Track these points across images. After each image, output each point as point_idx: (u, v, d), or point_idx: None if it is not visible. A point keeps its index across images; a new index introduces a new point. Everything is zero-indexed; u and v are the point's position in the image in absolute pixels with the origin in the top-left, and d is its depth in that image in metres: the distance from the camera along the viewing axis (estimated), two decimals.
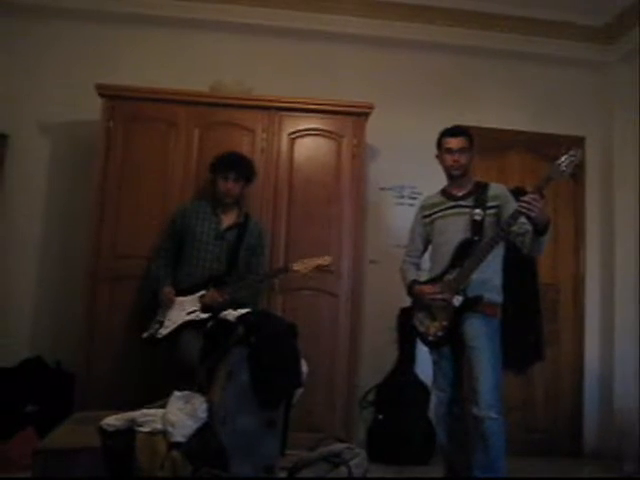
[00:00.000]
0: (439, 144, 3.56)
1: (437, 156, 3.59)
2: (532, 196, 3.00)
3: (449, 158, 3.50)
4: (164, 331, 3.64)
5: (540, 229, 3.09)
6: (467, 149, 3.50)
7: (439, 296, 3.34)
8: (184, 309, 3.68)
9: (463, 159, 3.49)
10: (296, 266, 3.75)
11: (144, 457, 2.56)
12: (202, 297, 3.70)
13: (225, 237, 3.85)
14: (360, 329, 4.38)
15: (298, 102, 4.42)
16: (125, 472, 2.54)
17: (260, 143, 4.35)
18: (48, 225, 4.68)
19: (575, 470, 4.66)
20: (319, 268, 3.80)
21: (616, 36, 5.11)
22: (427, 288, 3.43)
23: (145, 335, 3.71)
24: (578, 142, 4.98)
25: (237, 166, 3.88)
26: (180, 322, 3.63)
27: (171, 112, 4.32)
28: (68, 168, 4.71)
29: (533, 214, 3.00)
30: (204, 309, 3.66)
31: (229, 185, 3.85)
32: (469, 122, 4.88)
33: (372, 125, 4.48)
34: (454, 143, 3.49)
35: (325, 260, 3.79)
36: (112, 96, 4.24)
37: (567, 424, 5.06)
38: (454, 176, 3.52)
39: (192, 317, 3.64)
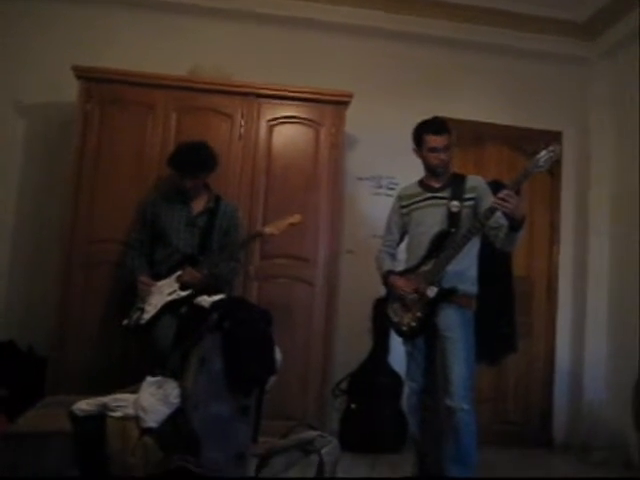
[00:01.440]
0: (419, 140, 3.49)
1: (415, 150, 3.54)
2: (507, 192, 3.01)
3: (433, 157, 3.46)
4: (147, 316, 3.61)
5: (515, 225, 3.10)
6: (450, 146, 3.48)
7: (409, 293, 3.36)
8: (163, 292, 3.66)
9: (448, 156, 3.48)
10: (268, 229, 3.72)
11: (115, 442, 2.55)
12: (179, 277, 3.68)
13: (196, 223, 3.82)
14: (335, 318, 4.38)
15: (278, 89, 4.40)
16: (96, 457, 2.53)
17: (238, 129, 4.33)
18: (22, 208, 4.62)
19: (543, 460, 4.73)
20: (291, 226, 3.74)
21: (597, 32, 5.13)
22: (400, 282, 3.43)
23: (125, 322, 3.68)
24: (555, 137, 5.01)
25: (192, 166, 3.79)
26: (162, 304, 3.61)
27: (149, 96, 4.28)
28: (44, 150, 4.65)
29: (508, 210, 3.02)
30: (183, 287, 3.64)
31: (189, 184, 3.81)
32: (447, 114, 4.85)
33: (351, 115, 4.47)
34: (439, 142, 3.44)
35: (295, 218, 3.74)
36: (89, 78, 4.19)
37: (538, 415, 5.13)
38: (438, 173, 3.51)
39: (173, 297, 3.62)
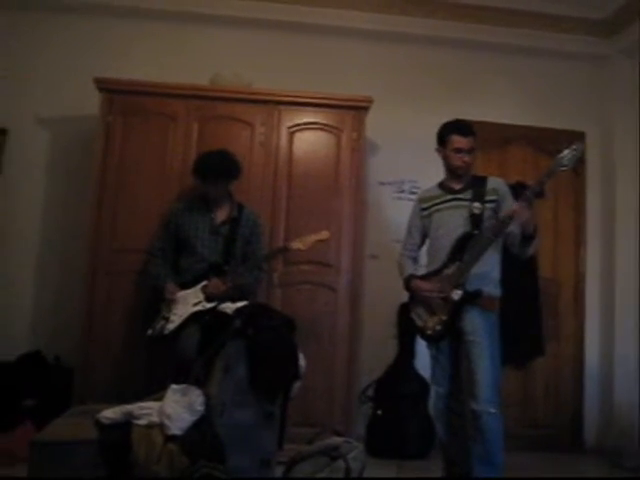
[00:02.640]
0: (444, 139, 3.48)
1: (438, 150, 3.54)
2: (518, 206, 3.04)
3: (458, 158, 3.44)
4: (171, 326, 3.62)
5: (527, 235, 3.11)
6: (474, 148, 3.47)
7: (435, 294, 3.34)
8: (188, 302, 3.67)
9: (471, 159, 3.46)
10: (295, 244, 3.72)
11: (141, 450, 2.55)
12: (204, 287, 3.69)
13: (220, 232, 3.84)
14: (359, 324, 4.37)
15: (297, 96, 4.40)
16: (122, 465, 2.54)
17: (259, 137, 4.34)
18: (47, 220, 4.67)
19: (575, 465, 4.65)
20: (318, 243, 3.76)
21: (616, 29, 5.07)
22: (425, 285, 3.41)
23: (150, 332, 3.69)
24: (578, 137, 4.96)
25: (224, 172, 3.83)
26: (187, 315, 3.61)
27: (170, 106, 4.31)
28: (67, 163, 4.70)
29: (519, 222, 3.03)
30: (208, 299, 3.65)
31: (214, 192, 3.84)
32: (469, 116, 4.83)
33: (372, 119, 4.46)
34: (464, 143, 3.43)
35: (323, 235, 3.75)
36: (111, 90, 4.23)
37: (567, 419, 5.05)
38: (459, 175, 3.49)
39: (198, 308, 3.63)
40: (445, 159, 3.52)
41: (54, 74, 4.74)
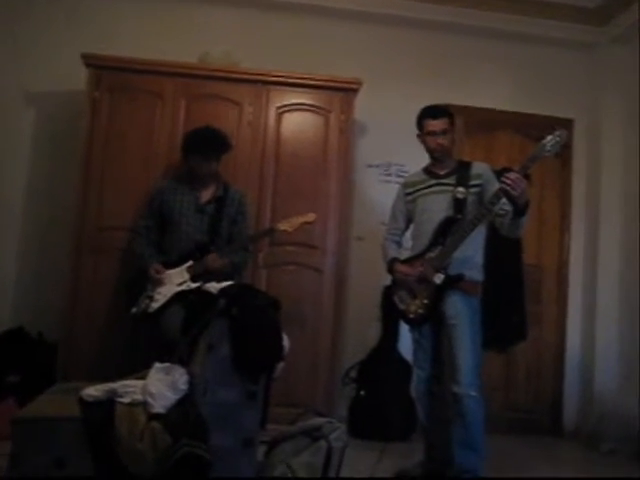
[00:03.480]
0: (420, 125, 3.53)
1: (418, 136, 3.57)
2: (515, 175, 3.00)
3: (432, 140, 3.48)
4: (155, 305, 3.62)
5: (519, 209, 3.08)
6: (449, 130, 3.49)
7: (414, 278, 3.36)
8: (173, 282, 3.67)
9: (446, 141, 3.48)
10: (282, 225, 3.73)
11: (123, 428, 2.55)
12: (190, 267, 3.69)
13: (205, 211, 3.83)
14: (344, 306, 4.39)
15: (286, 76, 4.38)
16: (104, 442, 2.54)
17: (247, 117, 4.32)
18: (31, 195, 4.65)
19: (552, 448, 4.73)
20: (304, 225, 3.78)
21: (608, 18, 5.07)
22: (406, 268, 3.44)
23: (134, 310, 3.69)
24: (566, 124, 4.98)
25: (217, 145, 3.84)
26: (171, 294, 3.61)
27: (158, 83, 4.28)
28: (53, 138, 4.67)
29: (515, 193, 2.99)
30: (193, 278, 3.65)
31: (213, 166, 3.84)
32: (458, 101, 4.89)
33: (361, 102, 4.46)
34: (436, 125, 3.46)
35: (309, 217, 3.77)
36: (98, 66, 4.20)
37: (548, 403, 5.13)
38: (437, 158, 3.52)
39: (183, 287, 3.63)
40: (423, 143, 3.55)
41: (42, 49, 4.68)
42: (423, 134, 3.52)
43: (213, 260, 3.68)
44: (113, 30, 4.69)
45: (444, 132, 3.46)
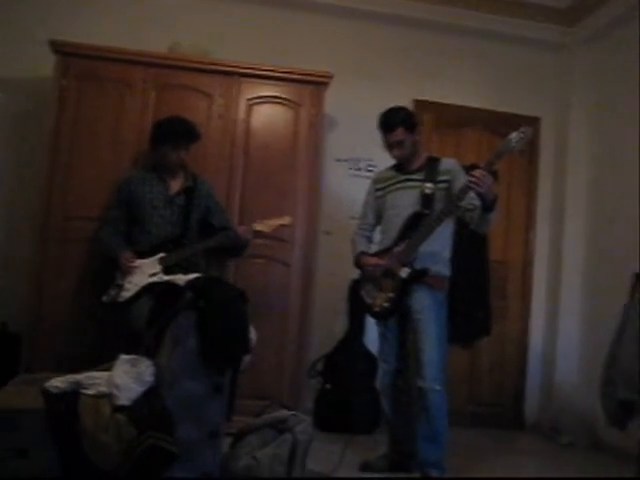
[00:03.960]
0: (380, 132, 3.54)
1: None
2: (480, 172, 3.03)
3: (389, 151, 3.53)
4: (126, 294, 3.59)
5: (487, 205, 3.12)
6: (405, 139, 3.48)
7: (384, 267, 3.38)
8: (144, 272, 3.64)
9: (404, 150, 3.50)
10: (258, 226, 3.74)
11: (88, 419, 2.54)
12: (162, 259, 3.67)
13: (175, 202, 3.81)
14: (311, 299, 4.40)
15: (258, 69, 4.36)
16: (68, 434, 2.53)
17: (217, 108, 4.30)
18: None
19: (514, 441, 4.83)
20: (281, 227, 3.81)
21: (578, 19, 5.14)
22: (373, 260, 3.46)
23: (105, 299, 3.65)
24: (534, 122, 5.05)
25: (187, 134, 3.82)
26: (143, 284, 3.58)
27: (127, 72, 4.22)
28: (19, 126, 4.59)
29: (481, 190, 3.03)
30: (166, 270, 3.62)
31: (182, 155, 3.82)
32: (427, 97, 4.95)
33: (331, 96, 4.46)
34: (390, 138, 3.48)
35: (285, 220, 3.80)
36: (67, 53, 4.12)
37: (510, 397, 5.21)
38: (402, 163, 3.55)
39: (155, 279, 3.60)
40: None
41: (8, 35, 4.59)
42: (383, 142, 3.55)
43: (246, 231, 3.72)
44: (82, 17, 4.62)
45: (399, 143, 3.47)
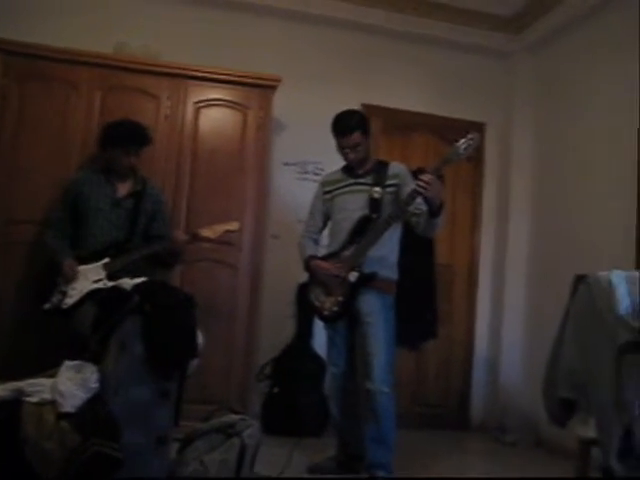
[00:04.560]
0: (334, 135, 3.54)
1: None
2: (429, 177, 3.08)
3: (344, 155, 3.53)
4: (70, 301, 3.51)
5: (434, 210, 3.17)
6: (361, 142, 3.50)
7: (334, 272, 3.39)
8: (88, 278, 3.57)
9: (359, 153, 3.51)
10: (204, 232, 3.70)
11: (31, 427, 2.49)
12: (106, 265, 3.60)
13: (122, 205, 3.75)
14: (259, 302, 4.40)
15: (205, 71, 4.35)
16: (10, 443, 2.47)
17: (164, 111, 4.26)
18: None
19: (461, 441, 4.90)
20: (227, 233, 3.76)
21: (523, 27, 5.26)
22: (323, 264, 3.47)
23: (47, 306, 3.56)
24: (479, 127, 5.13)
25: (139, 138, 3.76)
26: (87, 291, 3.51)
27: (72, 73, 4.16)
28: None
29: (429, 194, 3.08)
30: (110, 276, 3.55)
31: (132, 159, 3.76)
32: (375, 101, 4.99)
33: (279, 100, 4.48)
34: (345, 143, 3.48)
35: (233, 225, 3.76)
36: (7, 51, 4.03)
37: (457, 398, 5.29)
38: (354, 167, 3.56)
39: (99, 285, 3.52)
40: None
41: None
42: (337, 147, 3.54)
43: (179, 235, 3.65)
44: (25, 14, 4.50)
45: (355, 146, 3.48)
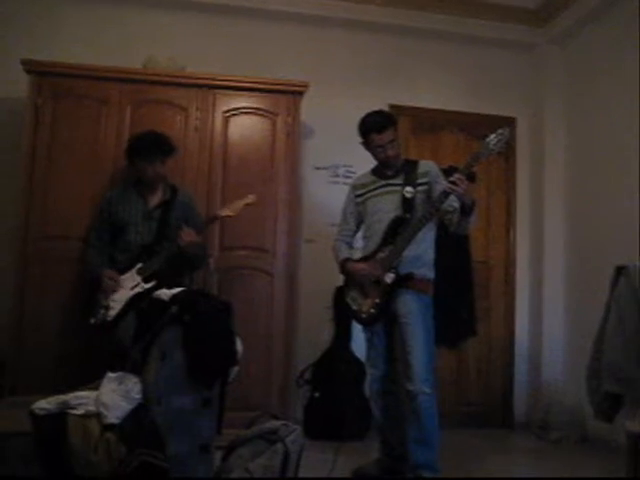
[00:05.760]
0: (364, 137, 3.52)
1: (362, 144, 3.57)
2: (458, 176, 3.06)
3: (380, 153, 3.50)
4: (112, 313, 3.57)
5: (466, 209, 3.15)
6: (395, 138, 3.50)
7: (370, 274, 3.38)
8: (125, 287, 3.62)
9: (394, 150, 3.50)
10: (224, 212, 3.72)
11: (77, 440, 2.51)
12: (140, 269, 3.65)
13: (153, 216, 3.80)
14: (296, 308, 4.41)
15: (233, 80, 4.37)
16: (57, 456, 2.50)
17: (194, 122, 4.30)
18: None
19: (503, 439, 4.85)
20: (246, 207, 3.74)
21: (547, 18, 5.22)
22: (359, 266, 3.46)
23: (93, 321, 3.62)
24: (509, 122, 5.09)
25: (160, 147, 3.80)
26: (127, 299, 3.57)
27: (102, 89, 4.21)
28: None
29: (458, 194, 3.07)
30: (145, 279, 3.61)
31: (157, 169, 3.79)
32: (403, 102, 4.97)
33: (307, 105, 4.48)
34: (382, 139, 3.46)
35: (250, 199, 3.74)
36: (40, 72, 4.10)
37: (498, 396, 5.23)
38: (389, 166, 3.54)
39: (137, 290, 3.59)
40: (370, 152, 3.57)
41: None
42: (370, 146, 3.52)
43: (187, 234, 3.65)
44: (56, 35, 4.62)
45: (391, 143, 3.48)
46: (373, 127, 3.48)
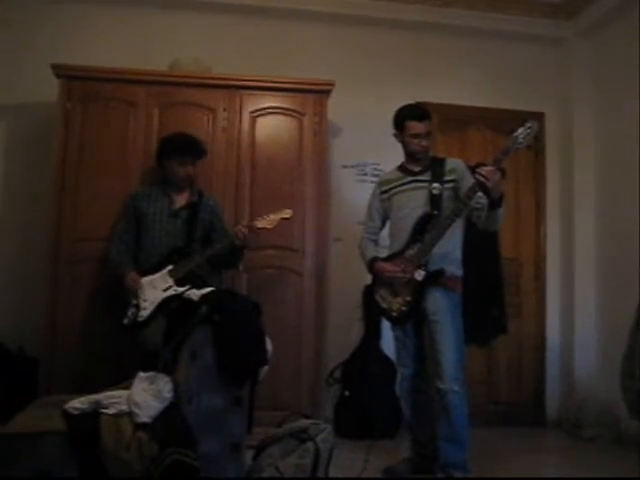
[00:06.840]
0: (400, 125, 3.52)
1: (395, 135, 3.57)
2: (489, 168, 3.04)
3: (415, 143, 3.49)
4: (144, 313, 3.58)
5: (494, 202, 3.12)
6: (431, 132, 3.52)
7: (400, 274, 3.36)
8: (156, 287, 3.64)
9: (429, 143, 3.51)
10: (260, 223, 3.72)
11: (109, 439, 2.55)
12: (172, 271, 3.66)
13: (179, 215, 3.82)
14: (325, 307, 4.39)
15: (259, 80, 4.39)
16: (90, 455, 2.53)
17: (221, 122, 4.32)
18: (5, 209, 4.60)
19: (536, 438, 4.79)
20: (283, 221, 3.76)
21: (575, 12, 5.14)
22: (387, 266, 3.44)
23: (126, 322, 3.64)
24: (538, 117, 5.03)
25: (193, 149, 3.85)
26: (159, 300, 3.58)
27: (130, 92, 4.25)
28: (25, 151, 4.62)
29: (490, 184, 3.03)
30: (177, 282, 3.63)
31: (189, 170, 3.83)
32: (429, 99, 4.93)
33: (333, 103, 4.47)
34: (421, 128, 3.46)
35: (286, 213, 3.76)
36: (69, 76, 4.16)
37: (530, 394, 5.18)
38: (418, 159, 3.53)
39: (170, 292, 3.59)
40: (403, 144, 3.56)
41: (9, 59, 4.63)
42: (405, 135, 3.51)
43: (240, 230, 3.68)
44: (83, 39, 4.66)
45: (428, 135, 3.48)
46: (414, 115, 3.48)
